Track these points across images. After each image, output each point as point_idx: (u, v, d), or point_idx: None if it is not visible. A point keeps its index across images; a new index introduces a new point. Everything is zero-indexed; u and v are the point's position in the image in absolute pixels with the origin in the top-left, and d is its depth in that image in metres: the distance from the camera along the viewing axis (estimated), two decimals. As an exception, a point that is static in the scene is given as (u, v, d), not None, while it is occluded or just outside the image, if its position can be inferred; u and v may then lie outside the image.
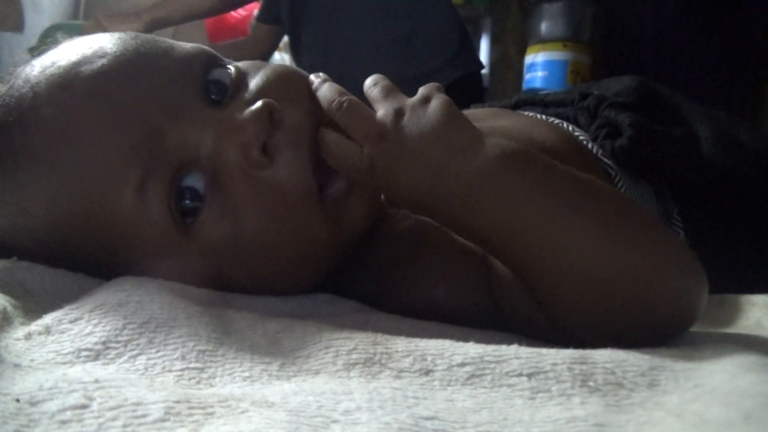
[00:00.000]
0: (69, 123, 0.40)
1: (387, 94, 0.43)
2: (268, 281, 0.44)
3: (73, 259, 0.43)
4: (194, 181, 0.41)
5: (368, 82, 0.45)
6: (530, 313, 0.40)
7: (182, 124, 0.41)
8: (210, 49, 0.46)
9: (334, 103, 0.42)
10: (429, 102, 0.41)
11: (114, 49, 0.42)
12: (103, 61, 0.41)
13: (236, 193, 0.41)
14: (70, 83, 0.41)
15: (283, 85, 0.44)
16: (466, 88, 1.45)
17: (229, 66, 0.45)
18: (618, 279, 0.36)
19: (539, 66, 1.84)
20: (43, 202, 0.41)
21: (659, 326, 0.37)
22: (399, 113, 0.41)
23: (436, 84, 0.44)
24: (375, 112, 0.42)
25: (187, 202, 0.41)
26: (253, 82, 0.44)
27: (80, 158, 0.40)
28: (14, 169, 0.41)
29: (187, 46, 0.45)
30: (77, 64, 0.41)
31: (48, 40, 0.48)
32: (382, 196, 0.48)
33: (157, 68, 0.42)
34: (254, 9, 2.24)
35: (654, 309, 0.37)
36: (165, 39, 0.46)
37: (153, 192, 0.40)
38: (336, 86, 0.44)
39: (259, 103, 0.41)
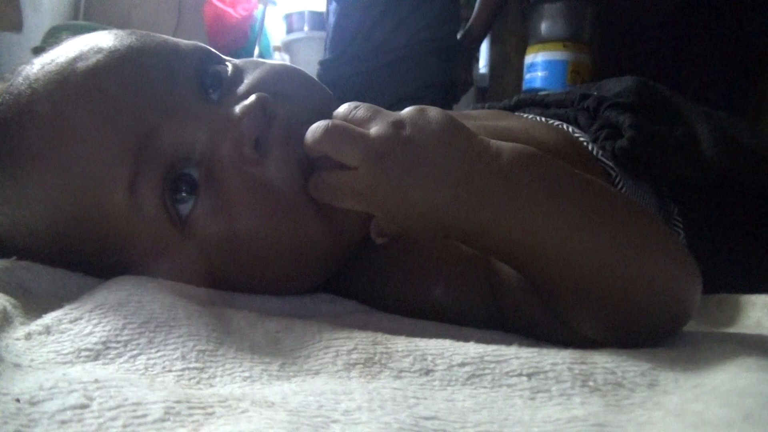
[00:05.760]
0: (64, 119, 0.40)
1: (374, 112, 0.39)
2: (266, 280, 0.44)
3: (72, 258, 0.43)
4: (189, 176, 0.41)
5: (344, 109, 0.41)
6: (533, 315, 0.40)
7: (176, 121, 0.41)
8: (206, 46, 0.46)
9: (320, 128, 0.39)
10: (425, 111, 0.38)
11: (110, 46, 0.42)
12: (99, 57, 0.41)
13: (230, 190, 0.40)
14: (65, 80, 0.41)
15: (279, 80, 0.44)
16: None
17: (226, 63, 0.45)
18: (635, 287, 0.36)
19: (539, 66, 1.84)
20: (41, 200, 0.41)
21: (662, 327, 0.38)
22: (398, 126, 0.37)
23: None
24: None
25: (183, 194, 0.41)
26: (249, 78, 0.44)
27: (74, 155, 0.40)
28: (13, 165, 0.42)
29: (183, 42, 0.45)
30: (73, 61, 0.41)
31: (51, 40, 0.48)
32: None
33: (153, 64, 0.42)
34: (254, 9, 2.24)
35: (662, 312, 0.37)
36: (161, 35, 0.46)
37: (145, 189, 0.40)
38: None
39: (252, 98, 0.41)
